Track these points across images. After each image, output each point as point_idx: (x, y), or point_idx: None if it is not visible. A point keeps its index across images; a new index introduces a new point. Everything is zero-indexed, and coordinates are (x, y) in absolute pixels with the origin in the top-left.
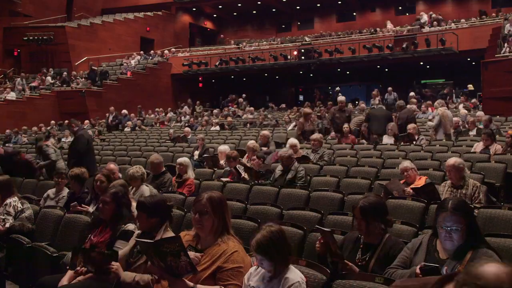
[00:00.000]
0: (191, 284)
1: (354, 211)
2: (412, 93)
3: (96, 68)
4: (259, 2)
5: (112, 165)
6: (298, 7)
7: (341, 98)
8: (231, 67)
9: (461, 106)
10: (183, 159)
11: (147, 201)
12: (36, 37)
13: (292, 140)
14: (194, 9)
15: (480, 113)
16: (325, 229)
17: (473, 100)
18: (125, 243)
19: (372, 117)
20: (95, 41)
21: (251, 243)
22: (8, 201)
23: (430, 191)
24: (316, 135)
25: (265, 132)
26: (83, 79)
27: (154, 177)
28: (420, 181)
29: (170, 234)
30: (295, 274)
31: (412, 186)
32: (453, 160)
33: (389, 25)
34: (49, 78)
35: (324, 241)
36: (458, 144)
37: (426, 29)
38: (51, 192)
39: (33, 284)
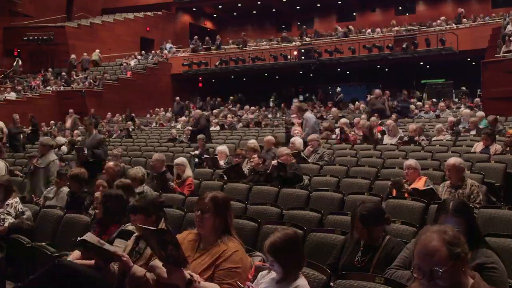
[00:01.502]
0: (188, 276)
1: (354, 221)
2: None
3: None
4: (259, 2)
5: (111, 163)
6: (298, 7)
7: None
8: (231, 67)
9: (462, 106)
10: (181, 159)
11: (140, 203)
12: (36, 37)
13: (295, 139)
14: (194, 9)
15: (480, 113)
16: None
17: (476, 99)
18: (123, 242)
19: None
20: (95, 41)
21: (264, 243)
22: (9, 201)
23: (429, 196)
24: (314, 135)
25: (269, 137)
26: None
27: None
28: (420, 182)
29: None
30: (303, 280)
31: (412, 186)
32: (453, 160)
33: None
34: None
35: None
36: (458, 144)
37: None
38: (50, 191)
39: None
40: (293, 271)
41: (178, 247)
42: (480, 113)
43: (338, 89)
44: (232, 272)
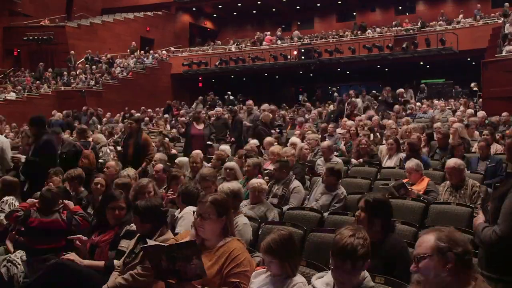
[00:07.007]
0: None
1: (360, 202)
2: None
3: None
4: (259, 2)
5: (112, 163)
6: (298, 7)
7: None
8: (231, 67)
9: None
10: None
11: (140, 205)
12: (36, 37)
13: (294, 139)
14: (194, 9)
15: (481, 113)
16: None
17: (479, 100)
18: (128, 242)
19: None
20: (95, 41)
21: (261, 245)
22: (5, 198)
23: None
24: (313, 135)
25: (269, 139)
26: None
27: None
28: (423, 183)
29: (169, 235)
30: (300, 277)
31: (414, 187)
32: (453, 162)
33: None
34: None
35: None
36: None
37: None
38: None
39: None
40: (289, 270)
41: (189, 261)
42: (481, 113)
43: (334, 88)
44: (242, 276)
